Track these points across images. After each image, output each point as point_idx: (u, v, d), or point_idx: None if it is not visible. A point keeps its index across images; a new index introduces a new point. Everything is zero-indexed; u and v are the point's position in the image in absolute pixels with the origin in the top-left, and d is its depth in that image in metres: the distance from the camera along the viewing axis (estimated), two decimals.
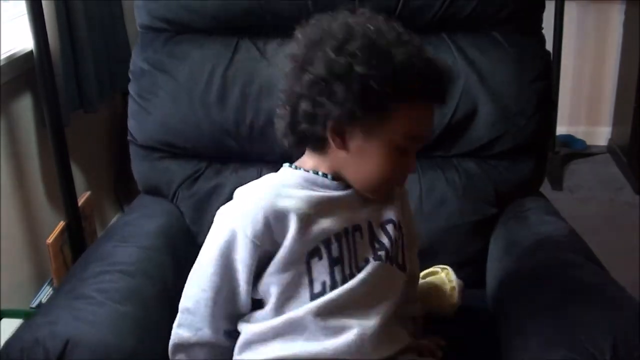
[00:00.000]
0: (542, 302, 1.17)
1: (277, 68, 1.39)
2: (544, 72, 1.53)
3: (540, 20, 1.56)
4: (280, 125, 1.06)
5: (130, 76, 1.56)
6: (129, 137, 1.58)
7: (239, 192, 1.06)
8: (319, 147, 1.04)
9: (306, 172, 1.06)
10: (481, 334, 1.29)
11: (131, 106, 1.55)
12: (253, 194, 1.04)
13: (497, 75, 1.49)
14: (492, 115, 1.49)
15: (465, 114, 1.49)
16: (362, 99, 0.95)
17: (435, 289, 1.35)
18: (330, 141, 1.01)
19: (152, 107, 1.52)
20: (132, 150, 1.58)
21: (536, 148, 1.54)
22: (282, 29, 1.50)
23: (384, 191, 1.08)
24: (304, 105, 0.99)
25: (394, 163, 1.02)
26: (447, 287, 1.35)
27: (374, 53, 0.95)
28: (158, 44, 1.53)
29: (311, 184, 1.05)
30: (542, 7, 1.55)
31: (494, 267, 1.41)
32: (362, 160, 1.02)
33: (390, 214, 1.10)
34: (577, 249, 1.32)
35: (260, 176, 1.47)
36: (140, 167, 1.58)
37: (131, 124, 1.56)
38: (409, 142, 1.02)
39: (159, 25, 1.54)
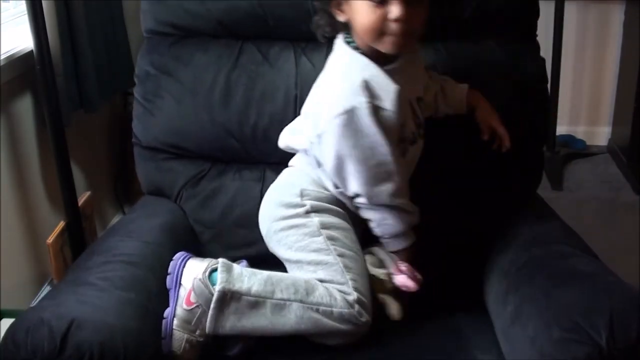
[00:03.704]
0: (538, 288, 1.20)
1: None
2: (540, 79, 1.54)
3: (534, 27, 1.56)
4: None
5: (136, 80, 1.57)
6: (133, 139, 1.58)
7: None
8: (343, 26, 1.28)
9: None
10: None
11: (136, 109, 1.56)
12: None
13: (493, 84, 1.48)
14: None
15: None
16: None
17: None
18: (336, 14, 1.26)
19: (157, 109, 1.53)
20: (137, 152, 1.59)
21: (532, 153, 1.55)
22: (284, 32, 1.53)
23: (388, 43, 1.22)
24: None
25: (374, 12, 1.19)
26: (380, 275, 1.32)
27: None
28: (163, 48, 1.55)
29: None
30: (537, 14, 1.55)
31: (491, 262, 1.40)
32: (354, 19, 1.23)
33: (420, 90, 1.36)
34: (573, 244, 1.33)
35: (264, 177, 1.51)
36: (144, 169, 1.58)
37: (136, 126, 1.57)
38: None
39: (164, 29, 1.55)
